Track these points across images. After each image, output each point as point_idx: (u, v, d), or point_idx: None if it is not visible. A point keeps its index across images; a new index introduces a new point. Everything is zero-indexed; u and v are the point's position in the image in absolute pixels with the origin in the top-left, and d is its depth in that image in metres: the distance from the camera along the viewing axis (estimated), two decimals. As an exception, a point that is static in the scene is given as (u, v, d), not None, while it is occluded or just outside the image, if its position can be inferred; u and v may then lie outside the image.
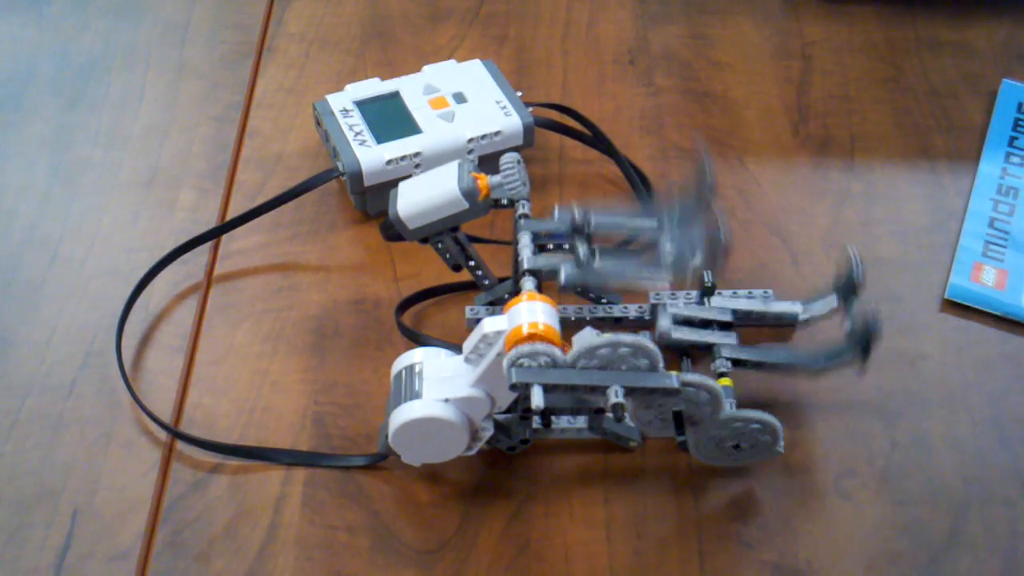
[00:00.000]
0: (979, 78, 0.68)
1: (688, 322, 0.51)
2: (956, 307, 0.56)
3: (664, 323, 0.50)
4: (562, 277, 0.47)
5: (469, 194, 0.48)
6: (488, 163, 0.60)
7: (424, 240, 0.51)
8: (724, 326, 0.52)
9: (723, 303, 0.53)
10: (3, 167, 0.63)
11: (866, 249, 0.59)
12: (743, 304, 0.53)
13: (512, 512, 0.49)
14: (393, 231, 0.50)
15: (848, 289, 0.50)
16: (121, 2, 0.73)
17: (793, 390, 0.53)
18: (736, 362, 0.50)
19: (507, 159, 0.49)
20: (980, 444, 0.51)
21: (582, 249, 0.47)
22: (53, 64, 0.69)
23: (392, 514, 0.49)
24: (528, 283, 0.47)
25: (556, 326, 0.44)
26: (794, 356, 0.50)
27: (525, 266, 0.47)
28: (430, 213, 0.49)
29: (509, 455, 0.50)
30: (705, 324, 0.51)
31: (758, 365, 0.50)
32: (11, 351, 0.54)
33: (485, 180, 0.49)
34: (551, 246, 0.50)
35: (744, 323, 0.53)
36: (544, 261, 0.48)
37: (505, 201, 0.50)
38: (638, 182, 0.60)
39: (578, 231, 0.48)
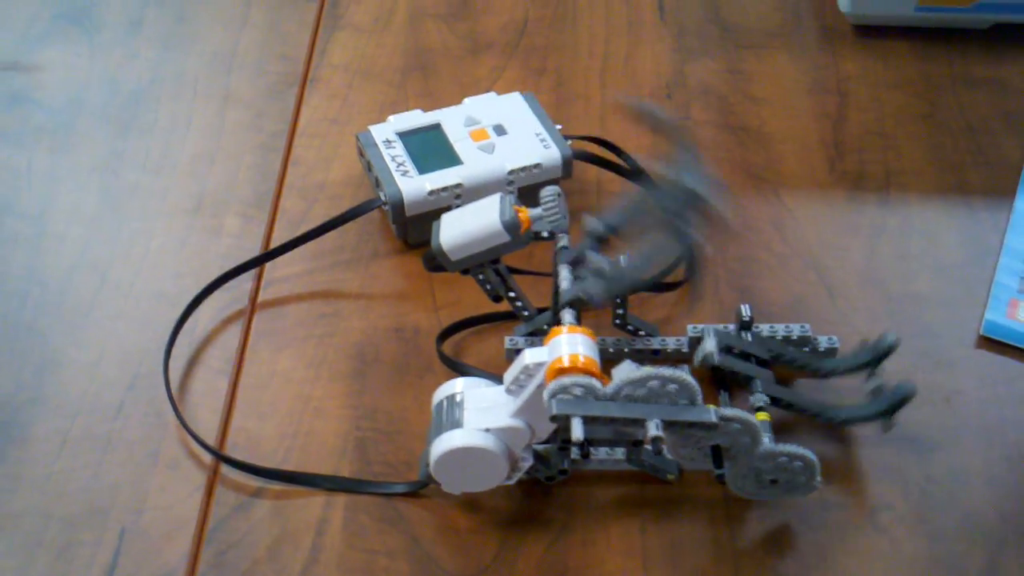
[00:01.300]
0: (1015, 115, 0.68)
1: (729, 350, 0.52)
2: (992, 343, 0.57)
3: (709, 346, 0.50)
4: (595, 300, 0.48)
5: (511, 227, 0.49)
6: (527, 195, 0.61)
7: (465, 271, 0.52)
8: (762, 363, 0.53)
9: (760, 344, 0.53)
10: (54, 192, 0.65)
11: (901, 284, 0.59)
12: (781, 333, 0.54)
13: (550, 540, 0.49)
14: (435, 262, 0.51)
15: (880, 354, 0.52)
16: (170, 32, 0.74)
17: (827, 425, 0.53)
18: (776, 401, 0.51)
19: (547, 192, 0.50)
20: (1016, 480, 0.51)
21: (599, 261, 0.48)
22: (103, 92, 0.71)
23: (431, 540, 0.49)
24: (568, 315, 0.48)
25: (596, 358, 0.45)
26: (822, 404, 0.51)
27: (564, 299, 0.48)
28: (472, 245, 0.50)
29: (547, 485, 0.51)
30: (745, 356, 0.52)
31: (788, 405, 0.51)
32: (61, 372, 0.56)
33: (526, 213, 0.50)
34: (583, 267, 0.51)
35: (781, 361, 0.54)
36: (577, 287, 0.48)
37: (545, 233, 0.51)
38: (675, 215, 0.61)
39: (599, 240, 0.48)
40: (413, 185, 0.59)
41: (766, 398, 0.51)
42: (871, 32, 0.74)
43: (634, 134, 0.67)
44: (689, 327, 0.55)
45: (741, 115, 0.69)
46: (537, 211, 0.50)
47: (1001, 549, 0.49)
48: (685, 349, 0.54)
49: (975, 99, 0.69)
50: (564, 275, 0.49)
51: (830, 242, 0.61)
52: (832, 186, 0.64)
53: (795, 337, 0.54)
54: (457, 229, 0.50)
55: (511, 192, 0.60)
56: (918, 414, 0.54)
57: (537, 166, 0.60)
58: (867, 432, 0.53)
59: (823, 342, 0.55)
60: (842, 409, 0.51)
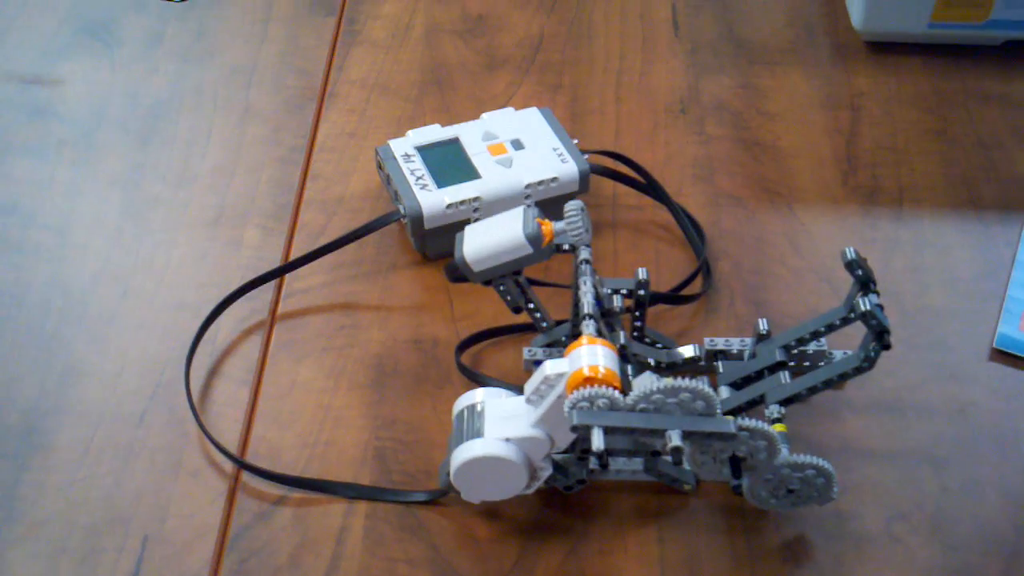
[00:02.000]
0: (1026, 131, 0.69)
1: (746, 380, 0.52)
2: (1004, 356, 0.57)
3: (724, 394, 0.51)
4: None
5: (534, 239, 0.50)
6: (545, 209, 0.61)
7: (487, 282, 0.52)
8: (773, 369, 0.53)
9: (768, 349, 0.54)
10: (76, 203, 0.66)
11: (915, 297, 0.60)
12: (797, 350, 0.54)
13: (568, 549, 0.50)
14: (458, 273, 0.52)
15: (861, 288, 0.50)
16: (189, 46, 0.75)
17: (843, 436, 0.54)
18: (789, 400, 0.51)
19: (571, 206, 0.51)
20: (1030, 493, 0.52)
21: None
22: (124, 105, 0.72)
23: (451, 548, 0.50)
24: (589, 327, 0.48)
25: (616, 369, 0.46)
26: (836, 368, 0.50)
27: (586, 311, 0.49)
28: (495, 257, 0.51)
29: (565, 494, 0.51)
30: (759, 374, 0.52)
31: (812, 390, 0.51)
32: (84, 381, 0.57)
33: (549, 226, 0.50)
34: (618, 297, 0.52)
35: (797, 364, 0.54)
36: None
37: (567, 246, 0.52)
38: (691, 229, 0.62)
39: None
40: (432, 198, 0.59)
41: (781, 409, 0.51)
42: (884, 48, 0.74)
43: (649, 149, 0.68)
44: (707, 340, 0.55)
45: (755, 130, 0.69)
46: (560, 224, 0.50)
47: (1015, 559, 0.49)
48: (703, 362, 0.55)
49: (987, 115, 0.70)
50: (586, 288, 0.50)
51: (840, 254, 0.62)
52: (845, 200, 0.65)
53: (811, 352, 0.55)
54: (481, 241, 0.51)
55: (530, 204, 0.60)
56: (932, 425, 0.54)
57: (555, 180, 0.61)
58: (880, 442, 0.53)
59: (838, 356, 0.55)
60: (853, 359, 0.50)
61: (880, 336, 0.47)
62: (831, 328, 0.51)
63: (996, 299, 0.60)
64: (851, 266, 0.49)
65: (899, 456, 0.53)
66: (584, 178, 0.61)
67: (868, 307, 0.47)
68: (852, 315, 0.50)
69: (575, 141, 0.63)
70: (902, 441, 0.54)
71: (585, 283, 0.50)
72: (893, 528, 0.50)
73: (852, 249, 0.49)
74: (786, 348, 0.52)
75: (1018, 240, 0.63)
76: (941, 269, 0.61)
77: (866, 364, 0.48)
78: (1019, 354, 0.57)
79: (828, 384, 0.49)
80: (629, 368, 0.53)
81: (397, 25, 0.77)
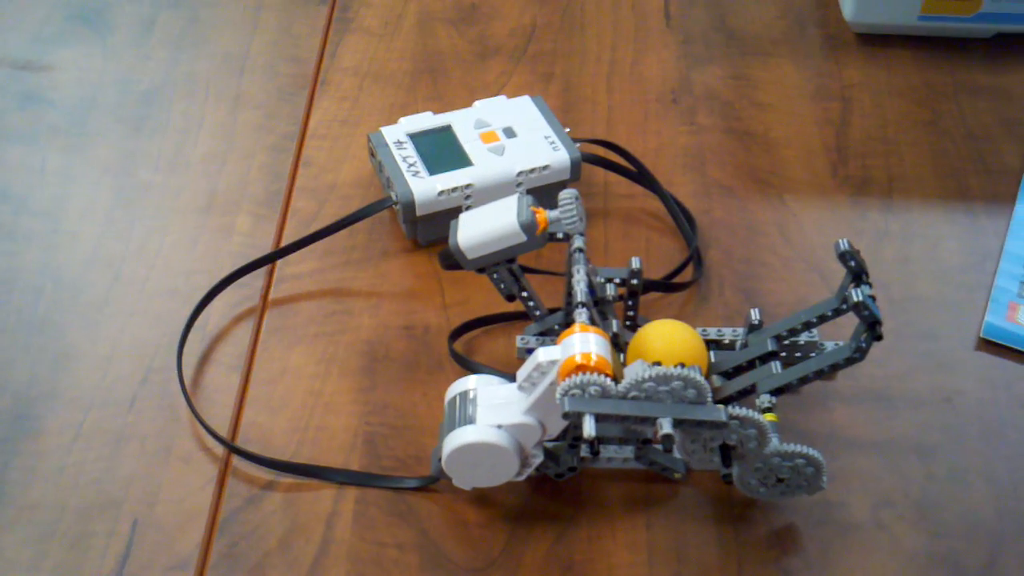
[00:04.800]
0: (1015, 123, 0.69)
1: (737, 369, 0.52)
2: (992, 346, 0.58)
3: (716, 383, 0.52)
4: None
5: (528, 227, 0.50)
6: (536, 196, 0.62)
7: (481, 270, 0.52)
8: (765, 359, 0.53)
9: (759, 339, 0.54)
10: (69, 190, 0.65)
11: (903, 287, 0.60)
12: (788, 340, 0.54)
13: (557, 535, 0.50)
14: (452, 261, 0.52)
15: (854, 279, 0.50)
16: (182, 33, 0.75)
17: (832, 424, 0.54)
18: (780, 390, 0.51)
19: (565, 195, 0.51)
20: (1015, 479, 0.52)
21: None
22: (117, 92, 0.71)
23: (441, 533, 0.50)
24: (582, 315, 0.48)
25: (608, 357, 0.46)
26: (828, 358, 0.50)
27: (579, 299, 0.49)
28: (489, 244, 0.51)
29: (556, 481, 0.52)
30: (750, 364, 0.52)
31: (803, 380, 0.51)
32: (75, 366, 0.57)
33: (543, 214, 0.51)
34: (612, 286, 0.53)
35: (789, 354, 0.55)
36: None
37: (560, 235, 0.52)
38: (682, 218, 0.62)
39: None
40: (424, 185, 0.59)
41: (772, 398, 0.51)
42: (874, 40, 0.75)
43: (640, 138, 0.68)
44: (699, 330, 0.55)
45: (746, 120, 0.70)
46: (555, 213, 0.51)
47: (1000, 546, 0.50)
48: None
49: (976, 107, 0.70)
50: (580, 276, 0.50)
51: (833, 245, 0.62)
52: (835, 191, 0.65)
53: (802, 343, 0.55)
54: (475, 228, 0.51)
55: (522, 192, 0.60)
56: (919, 414, 0.55)
57: (546, 168, 0.61)
58: (868, 430, 0.54)
59: (829, 347, 0.56)
60: (845, 350, 0.50)
61: (872, 327, 0.48)
62: (823, 319, 0.51)
63: (984, 289, 0.60)
64: (844, 257, 0.49)
65: (886, 444, 0.53)
66: (575, 166, 0.61)
67: (860, 298, 0.48)
68: (844, 306, 0.50)
69: (567, 130, 0.63)
70: (889, 430, 0.54)
71: (578, 271, 0.50)
72: (879, 515, 0.51)
73: (846, 241, 0.49)
74: (777, 338, 0.53)
75: (1006, 231, 0.63)
76: (930, 259, 0.62)
77: (858, 355, 0.49)
78: (1006, 344, 0.57)
79: (819, 374, 0.50)
80: (621, 356, 0.53)
81: (390, 13, 0.77)
